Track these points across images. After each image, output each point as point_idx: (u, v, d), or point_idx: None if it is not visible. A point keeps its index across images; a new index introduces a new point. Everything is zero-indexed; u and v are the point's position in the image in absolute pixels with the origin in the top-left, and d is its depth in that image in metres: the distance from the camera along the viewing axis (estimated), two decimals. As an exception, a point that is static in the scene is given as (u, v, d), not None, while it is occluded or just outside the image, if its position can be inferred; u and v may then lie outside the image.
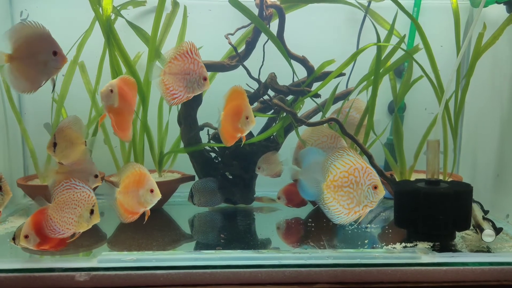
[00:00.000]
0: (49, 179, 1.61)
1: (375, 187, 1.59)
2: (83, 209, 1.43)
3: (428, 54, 1.99)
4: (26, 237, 1.44)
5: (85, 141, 1.67)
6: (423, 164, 1.77)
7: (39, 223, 1.47)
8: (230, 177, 2.09)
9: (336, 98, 2.07)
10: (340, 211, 1.61)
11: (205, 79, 1.52)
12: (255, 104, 2.10)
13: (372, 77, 2.02)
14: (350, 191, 1.60)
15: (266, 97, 2.03)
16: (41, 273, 1.40)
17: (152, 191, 1.50)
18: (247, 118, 1.58)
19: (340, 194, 1.61)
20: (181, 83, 1.51)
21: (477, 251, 1.58)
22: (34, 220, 1.48)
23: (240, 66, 1.96)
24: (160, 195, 1.53)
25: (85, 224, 1.45)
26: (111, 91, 1.45)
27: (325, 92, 2.02)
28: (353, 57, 1.99)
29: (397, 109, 2.14)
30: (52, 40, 1.37)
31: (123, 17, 2.03)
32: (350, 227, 1.82)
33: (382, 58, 1.97)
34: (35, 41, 1.35)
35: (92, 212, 1.44)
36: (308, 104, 2.10)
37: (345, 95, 2.08)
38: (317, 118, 2.07)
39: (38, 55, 1.35)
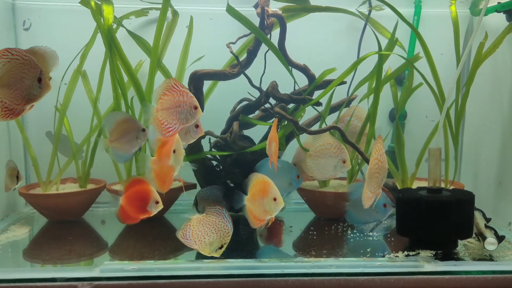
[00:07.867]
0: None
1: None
2: (217, 238, 1.49)
3: (429, 63, 2.00)
4: (156, 202, 1.60)
5: None
6: (425, 172, 1.77)
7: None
8: (232, 185, 2.09)
9: (333, 108, 2.08)
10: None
11: (195, 108, 1.56)
12: (257, 112, 2.11)
13: (373, 86, 2.03)
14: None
15: (267, 105, 2.04)
16: (43, 283, 1.39)
17: (275, 199, 1.53)
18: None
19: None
20: (174, 116, 1.56)
21: (479, 260, 1.57)
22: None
23: (242, 74, 1.97)
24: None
25: (208, 251, 1.49)
26: None
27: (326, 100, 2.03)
28: (354, 66, 2.00)
29: (398, 117, 2.15)
30: (138, 124, 1.72)
31: (124, 26, 2.04)
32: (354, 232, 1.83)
33: (378, 65, 1.98)
34: (124, 123, 1.71)
35: (221, 247, 1.49)
36: (309, 113, 2.10)
37: (340, 105, 2.09)
38: (318, 126, 2.08)
39: (128, 134, 1.72)
